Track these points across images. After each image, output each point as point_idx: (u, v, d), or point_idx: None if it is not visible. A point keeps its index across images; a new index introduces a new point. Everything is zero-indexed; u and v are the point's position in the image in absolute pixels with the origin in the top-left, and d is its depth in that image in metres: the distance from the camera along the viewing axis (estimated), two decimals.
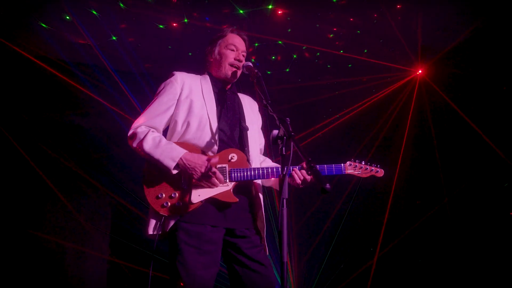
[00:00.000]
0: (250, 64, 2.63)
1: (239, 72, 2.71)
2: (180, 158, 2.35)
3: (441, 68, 5.21)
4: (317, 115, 5.93)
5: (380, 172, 2.71)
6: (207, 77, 2.74)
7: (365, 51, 5.30)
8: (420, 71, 5.40)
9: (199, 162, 2.36)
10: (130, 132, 2.51)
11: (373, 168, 2.68)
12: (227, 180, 2.45)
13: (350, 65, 5.53)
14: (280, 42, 5.17)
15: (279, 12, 4.70)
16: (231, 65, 2.68)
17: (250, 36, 2.98)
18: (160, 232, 2.37)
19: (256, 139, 2.76)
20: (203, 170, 2.35)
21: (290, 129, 1.97)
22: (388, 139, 5.75)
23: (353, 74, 5.57)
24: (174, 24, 4.86)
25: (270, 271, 2.52)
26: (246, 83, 2.92)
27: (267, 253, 2.63)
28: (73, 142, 5.00)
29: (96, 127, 5.10)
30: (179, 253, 2.33)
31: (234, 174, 2.46)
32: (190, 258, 2.31)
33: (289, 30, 4.87)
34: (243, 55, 2.73)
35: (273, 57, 5.57)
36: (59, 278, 4.63)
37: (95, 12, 4.61)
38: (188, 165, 2.36)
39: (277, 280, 5.05)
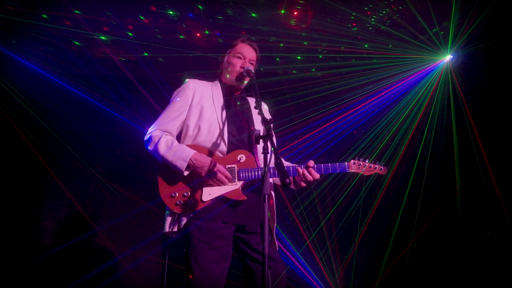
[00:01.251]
0: (250, 68, 2.78)
1: (245, 79, 2.85)
2: (190, 159, 2.55)
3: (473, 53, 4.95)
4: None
5: (384, 170, 2.80)
6: (218, 84, 2.93)
7: (390, 46, 5.20)
8: (450, 57, 5.16)
9: (207, 161, 2.55)
10: (146, 136, 2.75)
11: (376, 166, 2.77)
12: (236, 180, 2.60)
13: (374, 60, 5.44)
14: (305, 42, 5.23)
15: (295, 12, 4.77)
16: (237, 72, 2.84)
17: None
18: (176, 230, 2.57)
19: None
20: (210, 170, 2.53)
21: (271, 130, 2.09)
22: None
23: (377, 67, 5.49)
24: (198, 34, 5.11)
25: (279, 266, 2.65)
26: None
27: (277, 248, 2.75)
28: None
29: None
30: (192, 248, 2.52)
31: (242, 173, 2.62)
32: (201, 253, 2.50)
33: (303, 26, 4.92)
34: (251, 63, 2.87)
35: (299, 57, 5.64)
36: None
37: (130, 34, 5.02)
38: (197, 165, 2.55)
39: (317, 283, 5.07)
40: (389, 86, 5.51)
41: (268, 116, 3.05)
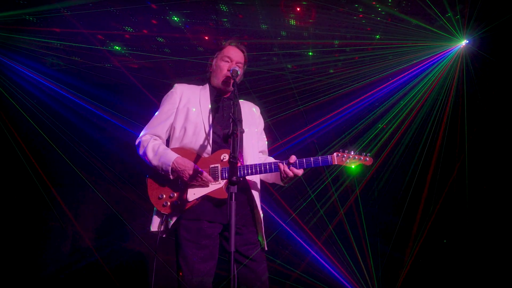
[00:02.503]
0: (237, 69, 2.80)
1: (231, 82, 2.84)
2: (172, 162, 2.62)
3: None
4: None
5: (369, 161, 2.72)
6: (207, 87, 2.97)
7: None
8: (466, 42, 4.91)
9: (188, 165, 2.61)
10: (137, 141, 2.84)
11: (361, 157, 2.70)
12: (219, 179, 2.64)
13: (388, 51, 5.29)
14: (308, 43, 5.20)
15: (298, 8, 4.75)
16: (224, 76, 2.86)
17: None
18: (164, 229, 2.65)
19: (252, 140, 2.91)
20: (191, 173, 2.59)
21: (237, 129, 2.14)
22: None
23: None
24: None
25: (260, 267, 2.68)
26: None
27: (265, 248, 2.77)
28: None
29: None
30: (180, 248, 2.60)
31: (225, 172, 2.65)
32: (189, 252, 2.56)
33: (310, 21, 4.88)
34: (238, 66, 2.88)
35: (310, 53, 5.60)
36: None
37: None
38: (179, 168, 2.62)
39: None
40: (400, 74, 5.35)
41: (258, 119, 3.07)
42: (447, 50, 5.07)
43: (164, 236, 2.68)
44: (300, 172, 2.63)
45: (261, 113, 3.16)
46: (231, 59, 2.88)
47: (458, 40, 4.93)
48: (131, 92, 5.66)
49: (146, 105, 4.67)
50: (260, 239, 2.75)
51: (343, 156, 2.67)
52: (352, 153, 2.69)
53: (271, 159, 3.01)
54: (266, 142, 3.11)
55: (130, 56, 5.55)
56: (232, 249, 1.93)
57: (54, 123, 5.31)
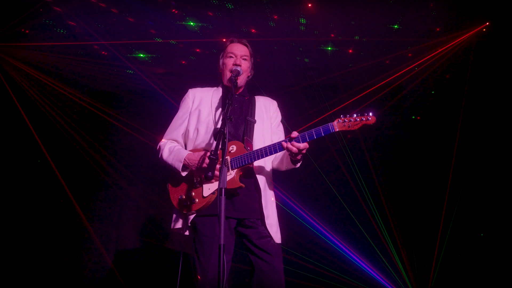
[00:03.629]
0: (238, 69, 2.88)
1: (241, 76, 2.93)
2: (184, 159, 2.75)
3: None
4: None
5: (372, 119, 2.57)
6: (220, 87, 3.07)
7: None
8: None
9: (197, 157, 2.72)
10: (157, 147, 2.99)
11: (363, 117, 2.58)
12: (230, 169, 2.72)
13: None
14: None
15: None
16: (230, 71, 2.92)
17: None
18: (185, 227, 2.78)
19: (264, 131, 2.96)
20: (197, 163, 2.70)
21: (225, 127, 2.27)
22: None
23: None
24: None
25: (276, 260, 2.73)
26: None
27: (279, 241, 2.81)
28: None
29: None
30: (198, 242, 2.72)
31: (234, 162, 2.73)
32: (205, 246, 2.67)
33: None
34: (243, 59, 2.96)
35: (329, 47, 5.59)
36: None
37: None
38: (190, 163, 2.74)
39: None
40: None
41: (275, 112, 3.11)
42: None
43: (187, 233, 2.81)
44: (301, 145, 2.60)
45: (278, 106, 3.18)
46: (235, 54, 2.95)
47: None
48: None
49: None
50: (273, 232, 2.79)
51: (344, 121, 2.58)
52: (355, 115, 2.59)
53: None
54: (283, 134, 3.13)
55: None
56: (221, 241, 2.01)
57: (91, 131, 5.65)
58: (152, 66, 5.84)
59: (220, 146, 2.35)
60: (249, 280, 2.76)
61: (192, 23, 5.03)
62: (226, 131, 2.26)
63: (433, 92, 5.73)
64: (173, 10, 4.78)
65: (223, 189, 2.08)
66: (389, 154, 5.71)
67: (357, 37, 5.28)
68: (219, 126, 2.77)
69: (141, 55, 5.71)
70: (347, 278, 5.28)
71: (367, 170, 5.54)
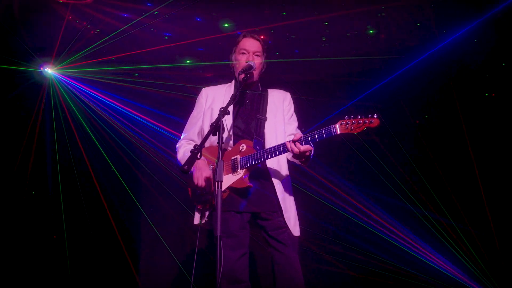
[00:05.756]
0: (251, 64, 2.89)
1: (253, 73, 2.94)
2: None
3: None
4: None
5: (375, 122, 2.46)
6: (232, 83, 3.11)
7: None
8: None
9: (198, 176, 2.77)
10: (175, 147, 3.12)
11: (366, 120, 2.48)
12: (239, 169, 2.77)
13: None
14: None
15: None
16: (242, 68, 2.88)
17: None
18: (204, 222, 2.87)
19: (275, 127, 2.95)
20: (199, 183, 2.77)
21: (221, 122, 2.31)
22: None
23: None
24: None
25: (290, 250, 2.73)
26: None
27: (297, 234, 2.81)
28: None
29: None
30: (214, 237, 2.79)
31: (243, 162, 2.77)
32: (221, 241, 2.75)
33: None
34: (256, 55, 2.97)
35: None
36: None
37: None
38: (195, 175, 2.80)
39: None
40: None
41: (288, 106, 3.08)
42: None
43: (208, 228, 2.91)
44: (302, 148, 2.57)
45: (292, 98, 3.16)
46: (248, 51, 2.95)
47: None
48: None
49: None
50: (291, 225, 2.79)
51: (347, 123, 2.50)
52: (359, 117, 2.49)
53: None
54: (297, 124, 3.11)
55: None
56: (218, 233, 2.07)
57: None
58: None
59: (207, 141, 2.40)
60: (272, 276, 2.79)
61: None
62: (222, 124, 2.29)
63: None
64: None
65: (219, 183, 2.13)
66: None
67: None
68: (232, 125, 2.86)
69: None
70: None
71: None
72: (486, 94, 4.86)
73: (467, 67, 4.87)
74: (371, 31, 4.95)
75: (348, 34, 4.96)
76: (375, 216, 4.94)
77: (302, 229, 2.89)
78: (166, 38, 5.09)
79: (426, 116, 5.15)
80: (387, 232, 4.84)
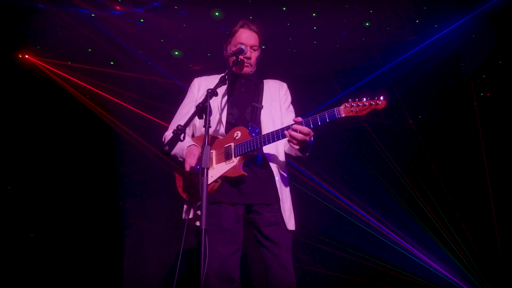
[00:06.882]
0: (242, 47, 2.69)
1: (249, 68, 2.79)
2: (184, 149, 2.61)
3: None
4: None
5: (382, 103, 2.31)
6: (226, 74, 2.91)
7: None
8: None
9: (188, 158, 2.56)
10: (162, 138, 2.89)
11: (372, 101, 2.31)
12: (233, 157, 2.56)
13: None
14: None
15: None
16: (235, 54, 2.69)
17: None
18: (192, 216, 2.64)
19: (272, 116, 2.77)
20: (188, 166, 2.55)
21: (208, 103, 2.12)
22: None
23: None
24: None
25: (283, 250, 2.54)
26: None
27: (291, 228, 2.62)
28: None
29: None
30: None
31: (237, 149, 2.56)
32: (211, 235, 2.45)
33: None
34: (253, 49, 2.78)
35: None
36: None
37: None
38: (186, 158, 2.58)
39: None
40: None
41: (284, 96, 2.92)
42: None
43: (197, 224, 2.67)
44: (306, 130, 2.37)
45: (289, 88, 2.99)
46: (245, 45, 2.75)
47: None
48: None
49: None
50: (286, 217, 2.59)
51: (352, 106, 2.33)
52: (364, 99, 2.33)
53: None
54: (294, 115, 2.90)
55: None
56: (203, 226, 1.85)
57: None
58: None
59: (197, 130, 2.26)
60: (265, 275, 2.59)
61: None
62: (209, 106, 2.10)
63: None
64: None
65: (205, 170, 1.92)
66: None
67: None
68: (225, 113, 2.68)
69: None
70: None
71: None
72: (481, 94, 4.77)
73: (463, 66, 4.81)
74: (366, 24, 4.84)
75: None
76: (368, 216, 4.83)
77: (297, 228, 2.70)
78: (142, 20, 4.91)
79: (420, 116, 5.04)
80: (383, 231, 4.73)
